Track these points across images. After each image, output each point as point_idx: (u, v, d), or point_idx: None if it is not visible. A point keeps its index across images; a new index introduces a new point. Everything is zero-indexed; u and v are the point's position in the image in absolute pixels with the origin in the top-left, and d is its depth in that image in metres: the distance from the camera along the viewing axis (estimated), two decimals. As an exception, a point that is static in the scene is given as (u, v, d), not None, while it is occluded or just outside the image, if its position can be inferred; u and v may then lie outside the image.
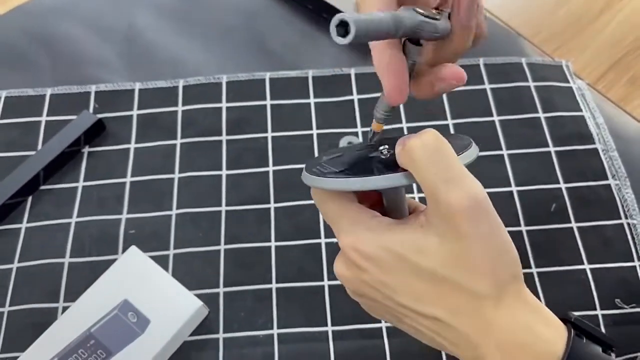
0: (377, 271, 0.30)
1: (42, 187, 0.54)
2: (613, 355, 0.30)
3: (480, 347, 0.28)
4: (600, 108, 0.57)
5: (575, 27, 1.00)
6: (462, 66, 0.61)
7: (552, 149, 0.55)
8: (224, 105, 0.58)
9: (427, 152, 0.28)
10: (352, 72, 0.61)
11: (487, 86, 0.59)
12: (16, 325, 0.47)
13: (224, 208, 0.53)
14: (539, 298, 0.47)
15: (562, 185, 0.53)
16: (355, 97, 0.59)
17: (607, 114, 0.57)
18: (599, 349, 0.29)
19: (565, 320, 0.30)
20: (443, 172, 0.28)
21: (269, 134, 0.57)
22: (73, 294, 0.48)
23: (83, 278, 0.49)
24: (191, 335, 0.47)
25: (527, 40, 0.63)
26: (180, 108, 0.58)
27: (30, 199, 0.53)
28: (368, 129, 0.57)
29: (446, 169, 0.28)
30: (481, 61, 0.60)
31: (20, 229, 0.52)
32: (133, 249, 0.48)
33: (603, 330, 0.46)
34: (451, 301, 0.28)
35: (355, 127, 0.57)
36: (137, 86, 0.60)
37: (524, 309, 0.29)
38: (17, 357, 0.44)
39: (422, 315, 0.29)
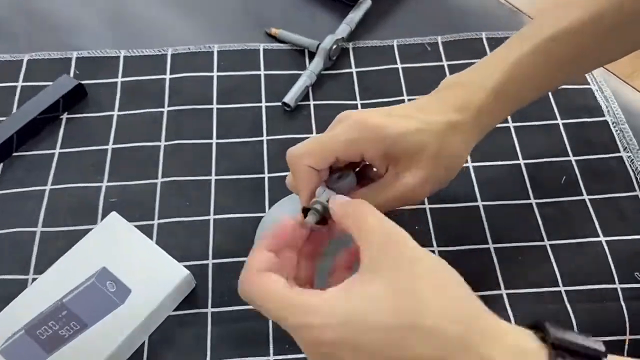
0: (344, 353, 0.26)
1: (15, 154, 0.50)
2: None
3: None
4: (607, 83, 0.55)
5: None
6: (463, 40, 0.60)
7: (559, 121, 0.52)
8: (215, 74, 0.55)
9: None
10: (350, 46, 0.58)
11: (491, 60, 0.57)
12: (-21, 298, 0.42)
13: (213, 177, 0.49)
14: (553, 271, 0.44)
15: (572, 158, 0.50)
16: (353, 70, 0.56)
17: (614, 89, 0.55)
18: None
19: (542, 328, 0.27)
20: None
21: (263, 104, 0.53)
22: (45, 265, 0.43)
23: (57, 249, 0.44)
24: (176, 309, 0.42)
25: (528, 16, 0.61)
26: (168, 76, 0.55)
27: (1, 165, 0.49)
28: (367, 101, 0.54)
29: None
30: (484, 35, 0.58)
31: (-12, 196, 0.47)
32: (114, 214, 0.44)
33: (623, 304, 0.43)
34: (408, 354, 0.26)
35: (355, 99, 0.54)
36: (123, 53, 0.56)
37: (493, 347, 0.26)
38: (-21, 332, 0.39)
39: None
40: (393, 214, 0.33)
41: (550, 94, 0.54)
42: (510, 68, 0.37)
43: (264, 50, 0.57)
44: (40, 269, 0.43)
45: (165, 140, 0.51)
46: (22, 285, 0.43)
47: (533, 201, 0.48)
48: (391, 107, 0.38)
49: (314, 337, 0.27)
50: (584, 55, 0.39)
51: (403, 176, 0.36)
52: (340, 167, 0.37)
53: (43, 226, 0.46)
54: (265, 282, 0.29)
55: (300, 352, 0.40)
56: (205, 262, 0.44)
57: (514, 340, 0.27)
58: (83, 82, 0.53)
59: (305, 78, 0.54)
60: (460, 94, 0.37)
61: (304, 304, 0.27)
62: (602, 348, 0.27)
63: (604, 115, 0.53)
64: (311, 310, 0.27)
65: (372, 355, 0.26)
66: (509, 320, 0.42)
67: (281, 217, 0.46)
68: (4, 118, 0.51)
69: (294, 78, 0.55)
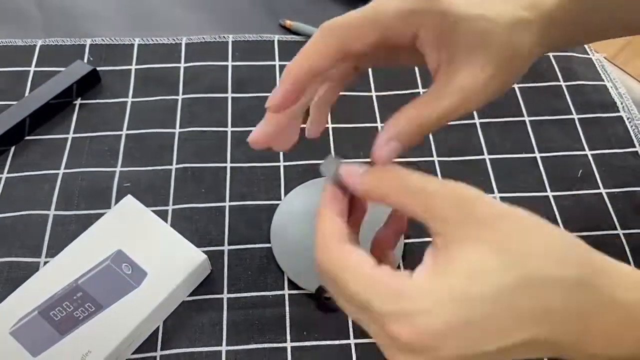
0: (454, 342, 0.23)
1: (28, 138, 0.49)
2: None
3: (583, 338, 0.24)
4: (621, 81, 0.56)
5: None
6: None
7: (575, 116, 0.53)
8: (229, 63, 0.55)
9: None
10: (364, 39, 0.58)
11: (505, 55, 0.57)
12: (-10, 280, 0.41)
13: (229, 165, 0.48)
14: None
15: (588, 152, 0.50)
16: (368, 62, 0.56)
17: (628, 87, 0.55)
18: None
19: None
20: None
21: (278, 94, 0.53)
22: (58, 249, 0.42)
23: (70, 232, 0.44)
24: (191, 295, 0.42)
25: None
26: (182, 64, 0.54)
27: (13, 149, 0.48)
28: (382, 93, 0.54)
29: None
30: (498, 31, 0.58)
31: (-1, 179, 0.46)
32: (129, 198, 0.43)
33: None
34: (532, 309, 0.23)
35: (370, 91, 0.54)
36: (137, 41, 0.56)
37: (616, 286, 0.24)
38: (-11, 314, 0.39)
39: (509, 347, 0.23)
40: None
41: (565, 90, 0.54)
42: None
43: (279, 41, 0.57)
44: (52, 253, 0.42)
45: (180, 127, 0.50)
46: (33, 269, 0.42)
47: (550, 193, 0.48)
48: None
49: (414, 328, 0.22)
50: None
51: (461, 74, 0.28)
52: None
53: (56, 209, 0.45)
54: (350, 257, 0.25)
55: (317, 339, 0.40)
56: (220, 248, 0.44)
57: (631, 272, 0.25)
58: (97, 68, 0.53)
59: (321, 69, 0.54)
60: None
61: (399, 287, 0.23)
62: None
63: (618, 111, 0.53)
64: (410, 295, 0.23)
65: (491, 332, 0.23)
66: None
67: (296, 205, 0.45)
68: (16, 102, 0.50)
69: (309, 69, 0.54)
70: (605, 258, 0.25)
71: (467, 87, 0.28)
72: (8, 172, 0.47)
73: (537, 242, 0.24)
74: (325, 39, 0.28)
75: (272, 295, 0.42)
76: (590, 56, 0.57)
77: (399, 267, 0.43)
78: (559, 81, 0.55)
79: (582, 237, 0.45)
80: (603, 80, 0.55)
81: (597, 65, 0.56)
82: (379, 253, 0.29)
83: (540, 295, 0.23)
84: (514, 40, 0.29)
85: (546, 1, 0.31)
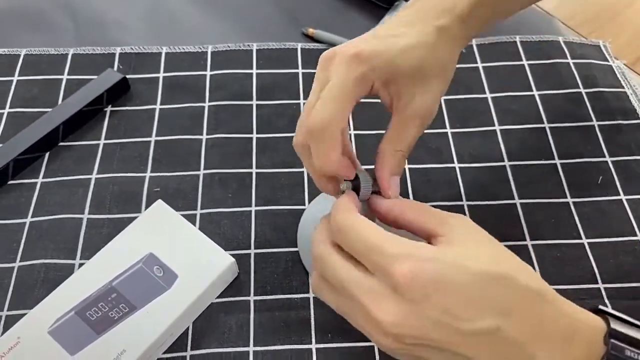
0: (439, 299, 0.27)
1: (61, 144, 0.51)
2: None
3: (530, 347, 0.28)
4: (641, 87, 0.56)
5: (610, 12, 1.01)
6: (497, 43, 0.60)
7: (595, 123, 0.53)
8: (254, 71, 0.56)
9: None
10: (385, 46, 0.59)
11: (525, 62, 0.57)
12: (27, 281, 0.43)
13: (254, 170, 0.50)
14: (592, 268, 0.45)
15: (608, 159, 0.51)
16: (389, 69, 0.57)
17: (648, 93, 0.56)
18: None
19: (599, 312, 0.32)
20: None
21: (301, 101, 0.54)
22: (91, 251, 0.44)
23: (103, 235, 0.45)
24: (219, 297, 0.43)
25: (562, 22, 0.62)
26: (208, 72, 0.56)
27: (47, 155, 0.50)
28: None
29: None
30: (517, 38, 0.59)
31: (35, 184, 0.48)
32: (159, 202, 0.45)
33: (661, 303, 0.43)
34: (503, 302, 0.28)
35: (390, 98, 0.55)
36: (164, 50, 0.57)
37: (565, 303, 0.30)
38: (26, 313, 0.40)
39: (479, 332, 0.27)
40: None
41: (585, 96, 0.55)
42: None
43: (302, 49, 0.58)
44: (86, 255, 0.44)
45: (207, 134, 0.52)
46: (69, 270, 0.43)
47: (570, 200, 0.48)
48: (374, 29, 0.36)
49: (414, 267, 0.27)
50: None
51: (412, 103, 0.34)
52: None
53: (89, 213, 0.46)
54: (366, 221, 0.30)
55: (341, 341, 0.41)
56: (247, 251, 0.45)
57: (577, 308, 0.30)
58: (126, 76, 0.55)
59: (343, 76, 0.55)
60: None
61: (411, 242, 0.28)
62: None
63: (639, 118, 0.53)
64: (420, 246, 0.28)
65: (468, 308, 0.27)
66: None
67: (320, 215, 0.46)
68: (49, 109, 0.52)
69: (331, 77, 0.55)
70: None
71: (422, 111, 0.35)
72: (43, 177, 0.49)
73: (519, 262, 0.30)
74: (334, 139, 0.34)
75: (297, 298, 0.43)
76: (610, 63, 0.57)
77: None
78: (579, 88, 0.55)
79: (601, 243, 0.46)
80: (623, 87, 0.55)
81: (617, 72, 0.57)
82: None
83: (510, 296, 0.28)
84: (441, 55, 0.35)
85: (458, 3, 0.35)
